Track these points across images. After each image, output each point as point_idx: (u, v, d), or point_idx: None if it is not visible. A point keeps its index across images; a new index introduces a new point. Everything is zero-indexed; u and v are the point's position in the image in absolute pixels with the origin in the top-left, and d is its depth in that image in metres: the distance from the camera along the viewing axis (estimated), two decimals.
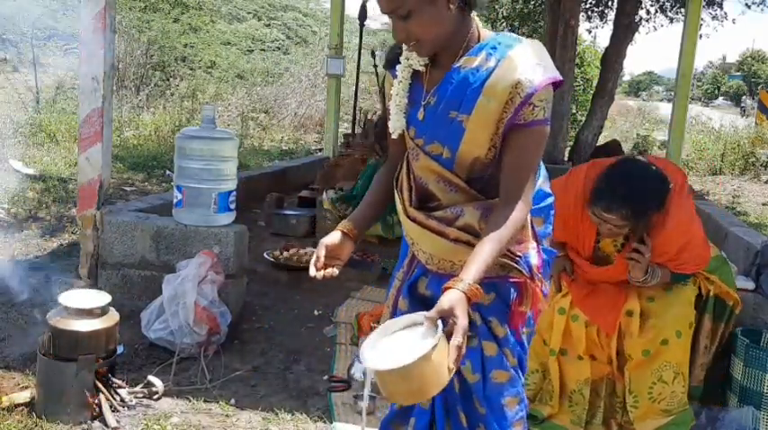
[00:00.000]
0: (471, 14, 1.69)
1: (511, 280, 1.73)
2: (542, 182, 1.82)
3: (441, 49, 1.68)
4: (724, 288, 2.99)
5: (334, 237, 1.78)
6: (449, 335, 1.45)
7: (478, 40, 1.69)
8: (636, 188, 2.59)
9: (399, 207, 1.81)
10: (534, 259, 1.74)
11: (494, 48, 1.65)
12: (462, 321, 1.46)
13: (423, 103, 1.72)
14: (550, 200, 1.84)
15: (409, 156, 1.80)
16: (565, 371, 2.91)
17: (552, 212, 1.85)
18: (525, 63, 1.60)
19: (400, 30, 1.62)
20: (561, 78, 1.63)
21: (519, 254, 1.71)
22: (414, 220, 1.76)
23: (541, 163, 1.78)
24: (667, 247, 2.74)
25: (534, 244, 1.75)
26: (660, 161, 2.89)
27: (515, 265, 1.70)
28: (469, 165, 1.70)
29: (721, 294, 2.99)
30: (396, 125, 1.75)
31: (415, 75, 1.76)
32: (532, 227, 1.75)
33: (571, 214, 2.78)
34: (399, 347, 1.47)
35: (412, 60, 1.73)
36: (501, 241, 1.57)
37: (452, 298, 1.48)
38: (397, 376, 1.40)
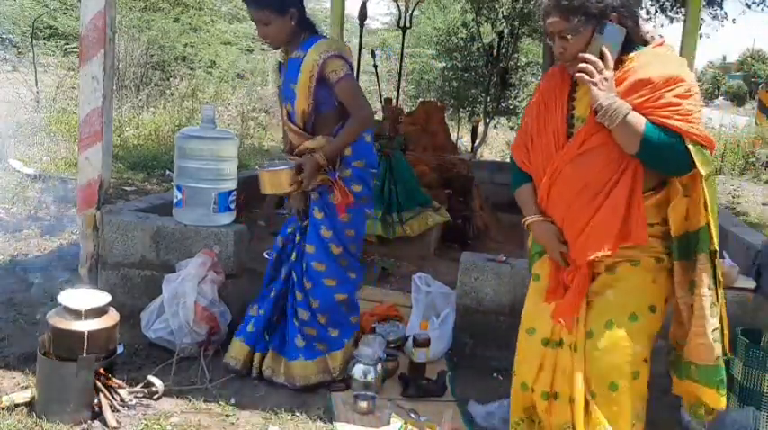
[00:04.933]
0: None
1: (325, 182, 2.95)
2: (369, 138, 3.04)
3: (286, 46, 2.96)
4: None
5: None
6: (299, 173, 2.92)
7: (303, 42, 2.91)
8: None
9: None
10: (338, 174, 2.94)
11: (305, 48, 2.88)
12: (306, 170, 2.87)
13: (282, 78, 3.02)
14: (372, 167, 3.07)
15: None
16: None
17: (370, 179, 3.06)
18: (318, 51, 2.85)
19: (261, 33, 2.91)
20: (341, 54, 2.87)
21: (327, 167, 2.92)
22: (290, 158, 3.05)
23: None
24: (643, 73, 2.06)
25: (340, 166, 2.96)
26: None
27: (327, 174, 2.92)
28: (301, 116, 2.95)
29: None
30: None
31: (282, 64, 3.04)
32: (342, 161, 2.96)
33: (541, 102, 2.31)
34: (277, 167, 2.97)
35: (278, 56, 3.03)
36: (350, 132, 2.90)
37: (309, 158, 2.90)
38: (267, 175, 2.95)
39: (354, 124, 2.89)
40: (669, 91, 2.01)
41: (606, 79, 2.05)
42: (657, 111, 2.01)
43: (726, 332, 2.19)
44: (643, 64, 2.08)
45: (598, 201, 2.13)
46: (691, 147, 2.01)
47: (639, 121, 2.02)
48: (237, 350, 3.14)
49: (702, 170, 2.03)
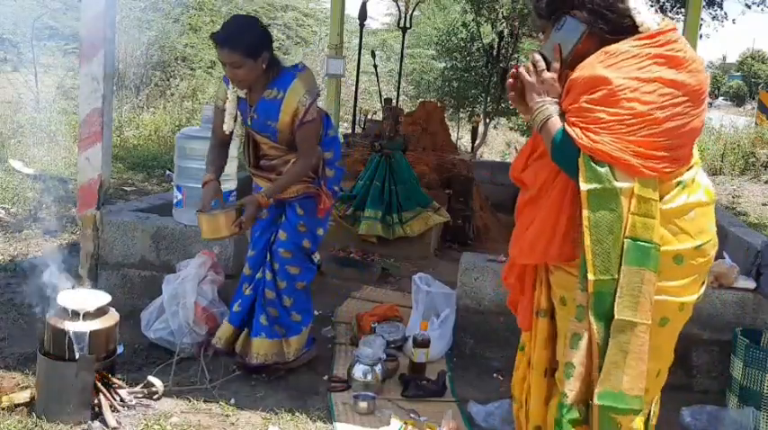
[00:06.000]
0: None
1: (312, 192, 3.07)
2: (332, 132, 3.20)
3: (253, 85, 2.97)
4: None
5: (212, 187, 3.03)
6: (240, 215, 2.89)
7: (272, 80, 2.96)
8: None
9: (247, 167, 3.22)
10: (322, 182, 3.08)
11: (280, 86, 2.93)
12: (247, 212, 2.88)
13: (249, 114, 3.03)
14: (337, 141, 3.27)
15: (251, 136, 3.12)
16: None
17: (338, 146, 3.24)
18: (300, 93, 2.91)
19: (232, 74, 2.90)
20: (318, 93, 3.00)
21: (312, 177, 3.06)
22: (254, 174, 3.17)
23: (331, 118, 3.26)
24: (577, 73, 1.83)
25: (323, 173, 3.10)
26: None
27: (312, 184, 3.06)
28: (286, 142, 3.02)
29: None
30: (228, 125, 3.07)
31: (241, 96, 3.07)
32: (324, 165, 3.11)
33: None
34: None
35: (238, 91, 3.01)
36: (295, 174, 2.99)
37: (250, 198, 2.95)
38: (204, 220, 2.88)
39: (301, 169, 2.99)
40: (587, 94, 1.79)
41: (543, 81, 1.87)
42: (570, 117, 1.82)
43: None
44: (586, 63, 1.83)
45: (541, 206, 1.96)
46: (581, 157, 1.77)
47: (555, 128, 1.84)
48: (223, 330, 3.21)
49: (581, 184, 1.77)
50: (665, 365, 2.00)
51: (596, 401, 1.82)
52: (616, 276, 1.77)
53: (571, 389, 1.87)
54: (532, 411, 2.09)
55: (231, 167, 3.75)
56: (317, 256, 4.40)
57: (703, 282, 1.96)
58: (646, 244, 1.77)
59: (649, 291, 1.79)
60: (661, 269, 1.81)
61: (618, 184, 1.76)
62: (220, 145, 3.15)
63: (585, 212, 1.77)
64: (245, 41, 2.82)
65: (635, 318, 1.79)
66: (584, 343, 1.85)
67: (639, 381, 1.82)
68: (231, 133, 3.13)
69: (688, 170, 1.87)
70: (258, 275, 3.16)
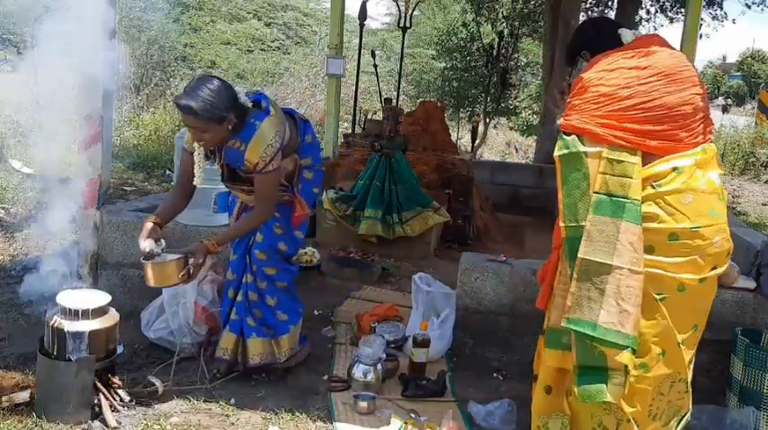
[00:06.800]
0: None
1: (286, 200, 3.09)
2: (310, 139, 3.17)
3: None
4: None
5: (148, 228, 2.88)
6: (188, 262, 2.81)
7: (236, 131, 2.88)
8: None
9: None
10: (296, 189, 3.11)
11: (242, 139, 2.86)
12: (195, 260, 2.81)
13: (221, 155, 2.98)
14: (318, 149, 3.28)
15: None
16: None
17: (316, 151, 3.23)
18: (258, 149, 2.83)
19: (197, 137, 2.84)
20: (283, 144, 2.90)
21: (287, 185, 3.07)
22: (228, 186, 3.14)
23: (310, 123, 3.25)
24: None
25: (297, 181, 3.12)
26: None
27: (286, 192, 3.07)
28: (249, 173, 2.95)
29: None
30: (199, 179, 3.00)
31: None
32: (301, 170, 3.13)
33: None
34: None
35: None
36: (249, 223, 3.01)
37: (198, 245, 2.85)
38: (150, 268, 2.76)
39: (255, 219, 2.99)
40: (572, 93, 2.24)
41: (565, 104, 2.34)
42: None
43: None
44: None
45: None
46: (557, 134, 2.21)
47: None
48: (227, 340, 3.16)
49: (555, 153, 2.18)
50: (669, 346, 2.16)
51: (562, 323, 2.09)
52: (583, 223, 2.07)
53: (551, 316, 2.21)
54: (543, 373, 2.31)
55: None
56: (316, 256, 4.41)
57: (714, 267, 2.15)
58: (621, 199, 2.05)
59: (631, 241, 2.03)
60: (655, 245, 2.07)
61: (583, 149, 2.11)
62: (182, 186, 3.05)
63: (558, 173, 2.14)
64: (211, 108, 2.71)
65: (611, 261, 2.03)
66: (562, 278, 2.16)
67: (624, 320, 2.02)
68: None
69: (683, 158, 2.11)
70: (243, 279, 3.15)
